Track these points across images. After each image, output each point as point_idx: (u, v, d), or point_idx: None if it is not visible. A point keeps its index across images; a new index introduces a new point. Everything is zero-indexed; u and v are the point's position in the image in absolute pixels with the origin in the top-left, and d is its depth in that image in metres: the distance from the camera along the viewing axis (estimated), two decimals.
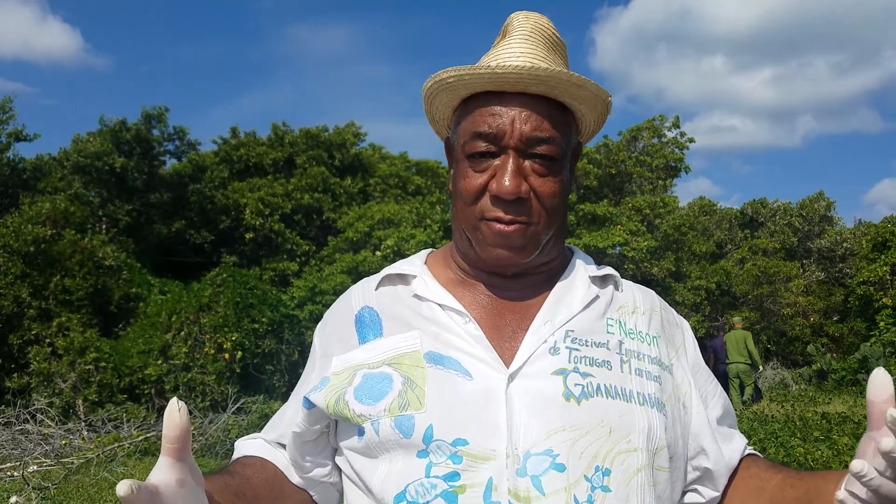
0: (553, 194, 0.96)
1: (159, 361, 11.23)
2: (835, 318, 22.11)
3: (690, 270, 19.80)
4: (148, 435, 8.91)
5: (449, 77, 0.96)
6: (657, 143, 22.01)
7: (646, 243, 16.60)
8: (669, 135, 22.06)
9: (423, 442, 0.87)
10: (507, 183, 0.91)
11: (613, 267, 1.08)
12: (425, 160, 25.56)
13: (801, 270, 24.14)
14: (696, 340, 1.13)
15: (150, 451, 8.61)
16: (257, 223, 21.13)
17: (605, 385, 0.92)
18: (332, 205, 22.72)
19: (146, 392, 11.19)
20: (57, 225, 13.60)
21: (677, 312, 1.16)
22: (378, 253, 15.44)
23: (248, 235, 21.65)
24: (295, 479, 1.07)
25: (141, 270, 15.24)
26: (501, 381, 0.89)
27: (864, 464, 0.71)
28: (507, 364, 0.92)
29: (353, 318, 1.05)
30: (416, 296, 1.02)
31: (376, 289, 1.07)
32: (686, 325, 1.13)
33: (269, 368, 11.89)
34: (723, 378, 11.73)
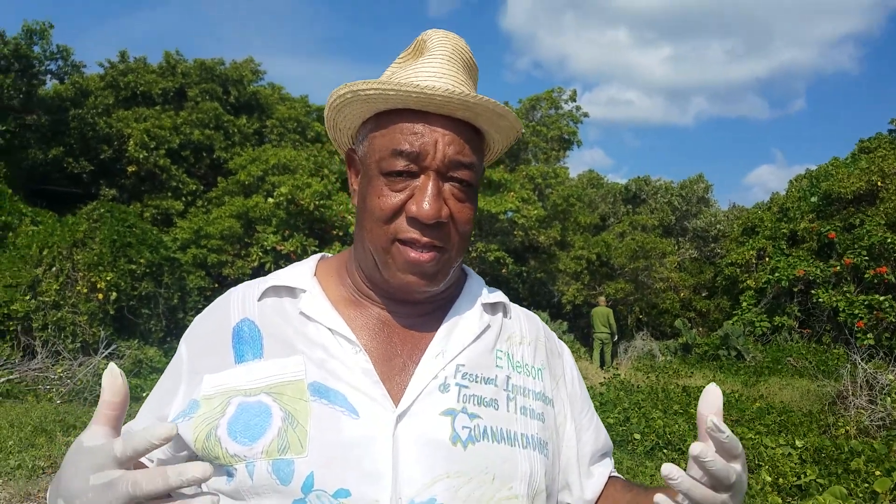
0: (468, 221, 0.94)
1: (27, 297, 10.49)
2: (703, 295, 23.64)
3: (574, 240, 20.59)
4: (11, 377, 8.38)
5: (369, 90, 0.90)
6: (554, 114, 22.58)
7: (535, 212, 17.05)
8: (566, 107, 22.69)
9: (302, 491, 0.82)
10: (427, 206, 0.88)
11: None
12: None
13: (676, 247, 25.64)
14: (575, 367, 1.13)
15: (12, 394, 8.08)
16: (141, 156, 19.94)
17: (491, 428, 0.91)
18: (224, 144, 21.76)
19: (11, 329, 10.44)
20: None
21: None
22: (271, 200, 15.00)
23: (131, 169, 20.42)
24: None
25: (12, 197, 14.10)
26: (389, 423, 0.86)
27: (672, 468, 0.73)
28: (396, 401, 0.89)
29: (231, 331, 0.96)
30: (302, 314, 0.95)
31: (259, 299, 0.98)
32: (567, 352, 1.14)
33: (145, 312, 11.37)
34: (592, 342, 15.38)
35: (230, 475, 0.85)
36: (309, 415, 0.85)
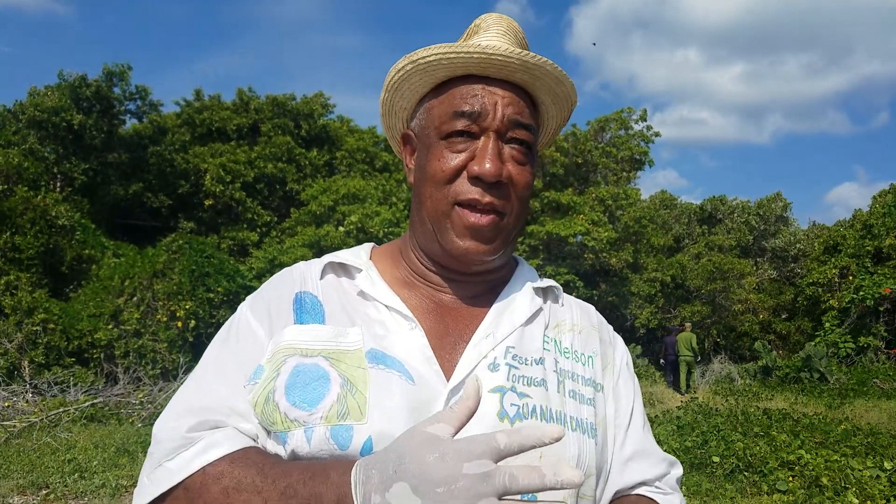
0: (527, 185, 0.95)
1: (110, 326, 11.00)
2: (783, 317, 22.71)
3: (647, 263, 20.12)
4: (95, 401, 8.74)
5: (430, 56, 0.92)
6: (624, 135, 22.23)
7: (606, 234, 16.80)
8: (636, 127, 22.31)
9: (360, 455, 0.81)
10: (488, 165, 0.89)
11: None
12: None
13: (755, 268, 24.73)
14: (628, 357, 1.10)
15: (96, 417, 8.45)
16: (217, 190, 20.77)
17: (540, 407, 0.90)
18: (296, 176, 22.43)
19: (95, 357, 10.96)
20: (9, 180, 13.16)
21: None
22: (341, 228, 15.33)
23: (208, 202, 21.27)
24: None
25: (95, 232, 14.89)
26: (441, 396, 0.86)
27: None
28: (447, 376, 0.89)
29: (293, 298, 0.96)
30: (360, 293, 0.97)
31: (321, 278, 0.99)
32: (620, 342, 1.12)
33: None
34: (672, 365, 15.92)
35: (286, 440, 0.85)
36: (368, 382, 0.86)
